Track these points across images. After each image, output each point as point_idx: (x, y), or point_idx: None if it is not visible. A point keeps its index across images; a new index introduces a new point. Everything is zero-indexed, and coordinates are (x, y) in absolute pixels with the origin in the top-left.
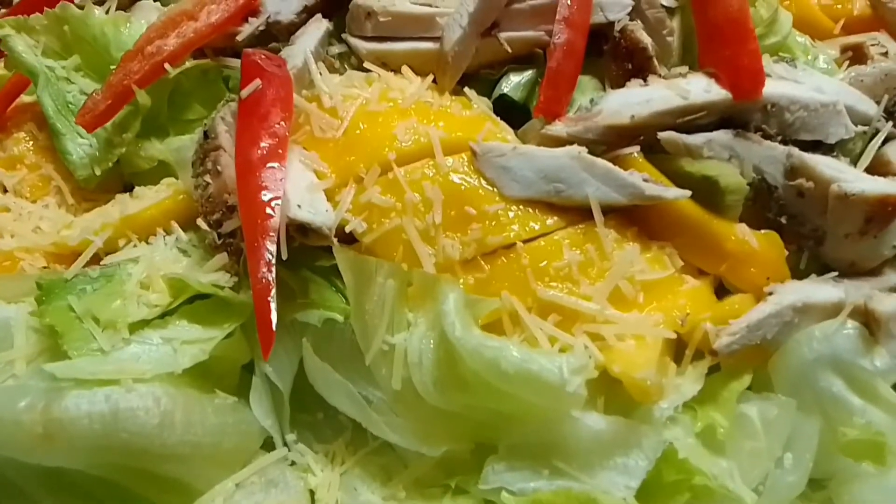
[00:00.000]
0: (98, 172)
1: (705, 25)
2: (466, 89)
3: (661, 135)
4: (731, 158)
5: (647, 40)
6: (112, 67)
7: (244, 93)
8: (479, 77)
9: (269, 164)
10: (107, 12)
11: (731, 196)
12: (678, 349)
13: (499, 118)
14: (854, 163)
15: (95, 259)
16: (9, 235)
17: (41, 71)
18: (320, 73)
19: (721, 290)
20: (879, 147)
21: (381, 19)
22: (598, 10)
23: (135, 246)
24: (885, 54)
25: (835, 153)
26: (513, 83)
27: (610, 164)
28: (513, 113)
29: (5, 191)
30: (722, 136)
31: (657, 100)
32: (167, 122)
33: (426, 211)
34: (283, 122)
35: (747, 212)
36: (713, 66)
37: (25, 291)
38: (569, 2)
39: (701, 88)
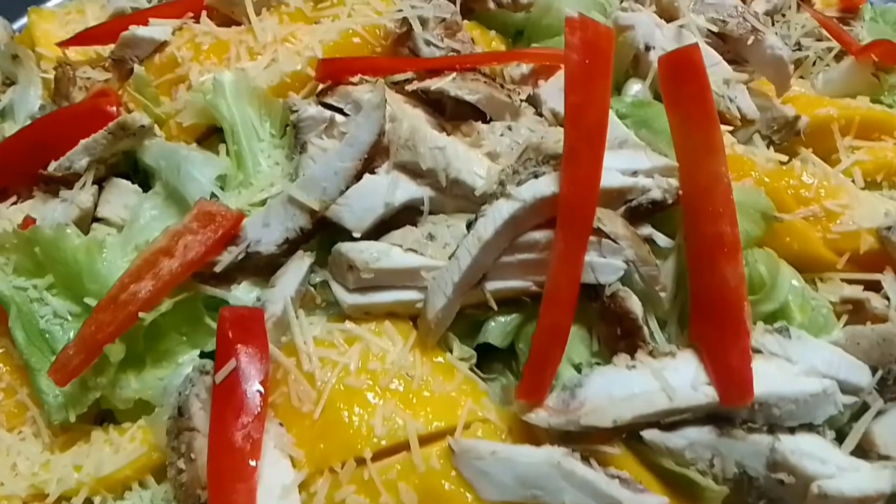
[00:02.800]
0: (73, 418)
1: (699, 292)
2: (448, 351)
3: (645, 435)
4: (714, 457)
5: (637, 310)
6: (86, 300)
7: (219, 377)
8: (464, 313)
9: (242, 465)
10: (82, 187)
11: (709, 493)
12: None
13: (481, 380)
14: (840, 437)
15: None
16: None
17: (13, 301)
18: (299, 325)
19: None
20: None
21: (364, 276)
22: (589, 270)
23: None
24: (889, 305)
25: (820, 428)
26: (497, 328)
27: (589, 473)
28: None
29: None
30: (705, 435)
31: (641, 398)
32: (144, 352)
33: None
34: (258, 415)
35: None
36: (702, 344)
37: None
38: (557, 279)
39: (688, 383)
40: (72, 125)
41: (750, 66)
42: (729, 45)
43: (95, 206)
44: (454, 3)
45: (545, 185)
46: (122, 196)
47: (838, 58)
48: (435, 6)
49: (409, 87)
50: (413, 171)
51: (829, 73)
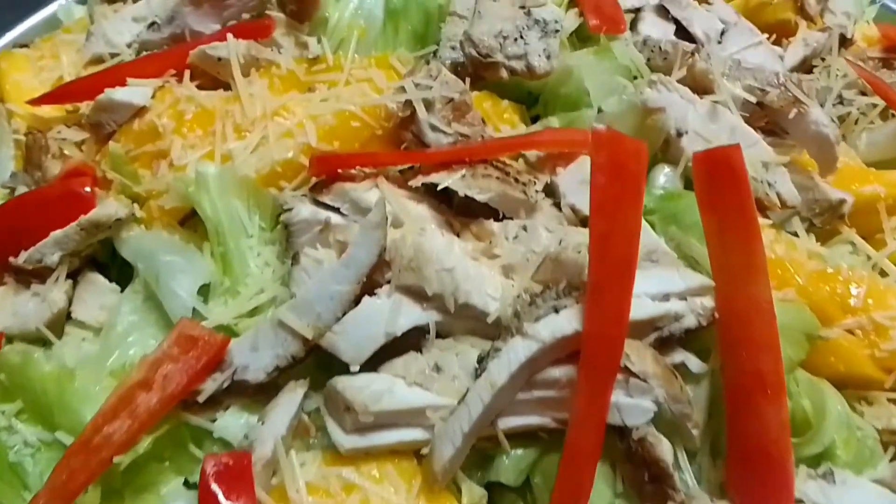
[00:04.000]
0: None
1: (736, 435)
2: (457, 490)
3: None
4: None
5: (667, 457)
6: (57, 435)
7: None
8: (474, 447)
9: None
10: (55, 281)
11: None
12: None
13: None
14: None
15: None
16: None
17: None
18: (291, 469)
19: None
20: None
21: (364, 419)
22: (615, 410)
23: None
24: None
25: None
26: (511, 465)
27: None
28: None
29: None
30: None
31: None
32: (122, 486)
33: None
34: None
35: None
36: (738, 497)
37: None
38: (579, 427)
39: None
40: (43, 210)
41: (790, 139)
42: (767, 111)
43: (70, 300)
44: (463, 76)
45: (566, 321)
46: (97, 295)
47: (884, 114)
48: (442, 83)
49: (413, 182)
50: (418, 294)
51: (874, 135)
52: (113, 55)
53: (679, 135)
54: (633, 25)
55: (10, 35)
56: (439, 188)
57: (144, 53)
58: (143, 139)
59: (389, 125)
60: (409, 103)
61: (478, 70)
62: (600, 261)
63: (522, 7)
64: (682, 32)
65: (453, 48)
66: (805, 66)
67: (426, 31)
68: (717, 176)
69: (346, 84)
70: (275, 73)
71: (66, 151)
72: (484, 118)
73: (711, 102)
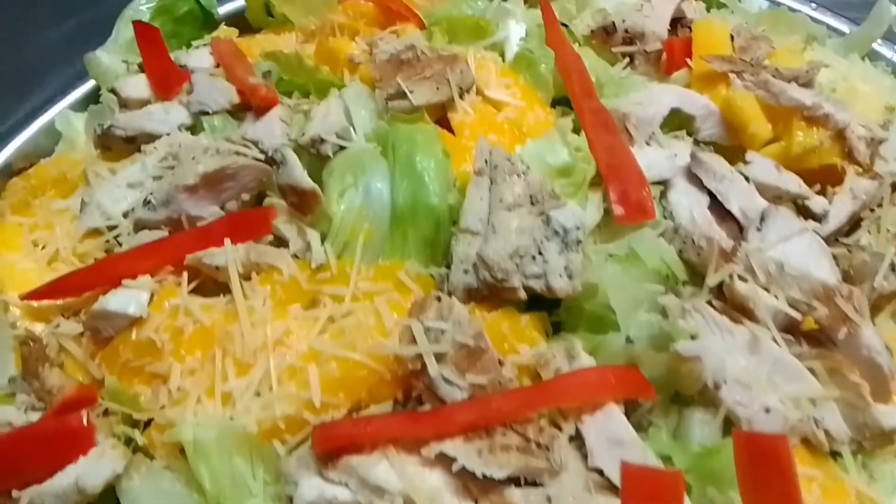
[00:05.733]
0: None
1: None
2: None
3: None
4: None
5: None
6: None
7: None
8: None
9: None
10: None
11: None
12: None
13: None
14: None
15: None
16: None
17: None
18: None
19: None
20: None
21: None
22: None
23: None
24: None
25: None
26: None
27: None
28: None
29: None
30: None
31: None
32: None
33: None
34: None
35: None
36: None
37: None
38: None
39: None
40: (38, 450)
41: (839, 354)
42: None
43: None
44: (478, 298)
45: None
46: None
47: None
48: (455, 325)
49: (425, 452)
50: None
51: None
52: (110, 228)
53: (717, 387)
54: (663, 195)
55: (8, 150)
56: (455, 468)
57: (142, 232)
58: (141, 352)
59: (399, 370)
60: (419, 356)
61: (493, 292)
62: None
63: (541, 214)
64: (718, 206)
65: (466, 272)
66: (853, 220)
67: (436, 235)
68: (762, 468)
69: (354, 300)
70: (277, 279)
71: (65, 345)
72: (501, 341)
73: (752, 335)
